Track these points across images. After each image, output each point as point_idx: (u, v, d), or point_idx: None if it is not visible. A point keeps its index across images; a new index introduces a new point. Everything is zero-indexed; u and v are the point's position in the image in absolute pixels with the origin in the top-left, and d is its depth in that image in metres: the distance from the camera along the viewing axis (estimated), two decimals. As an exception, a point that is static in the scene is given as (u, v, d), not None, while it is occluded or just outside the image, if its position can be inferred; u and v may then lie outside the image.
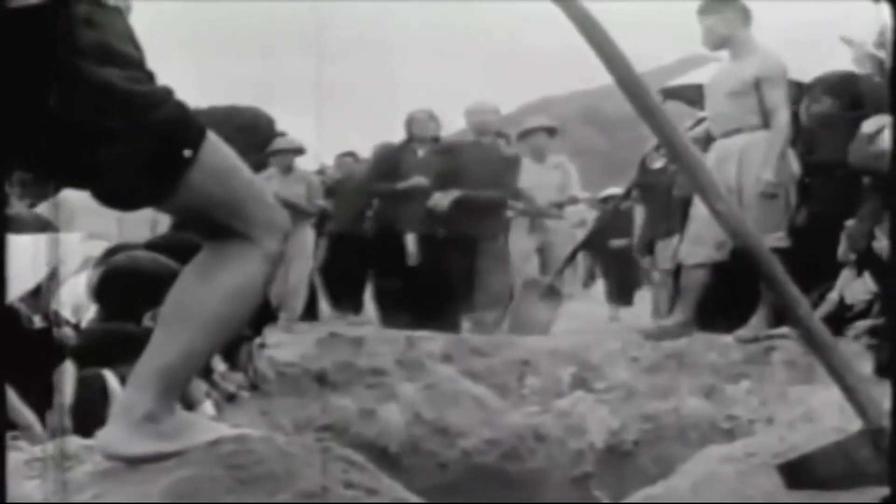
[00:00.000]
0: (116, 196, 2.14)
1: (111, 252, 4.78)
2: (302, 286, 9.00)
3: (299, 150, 9.46)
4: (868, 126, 5.58)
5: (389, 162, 8.55)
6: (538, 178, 8.41)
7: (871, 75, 6.17)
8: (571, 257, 8.12)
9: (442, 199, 7.95)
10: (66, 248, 4.00)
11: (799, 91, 6.45)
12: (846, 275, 5.77)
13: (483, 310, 7.87)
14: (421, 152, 8.42)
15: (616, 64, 2.51)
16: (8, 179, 2.20)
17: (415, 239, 8.16)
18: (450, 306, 7.86)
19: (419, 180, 8.16)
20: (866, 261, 5.50)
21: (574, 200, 9.11)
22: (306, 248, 9.06)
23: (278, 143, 9.63)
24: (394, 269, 8.25)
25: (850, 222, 5.65)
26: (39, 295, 3.67)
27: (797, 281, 2.55)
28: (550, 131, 8.81)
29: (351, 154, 10.68)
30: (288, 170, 9.25)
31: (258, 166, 9.16)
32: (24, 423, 3.40)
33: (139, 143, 2.02)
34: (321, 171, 10.43)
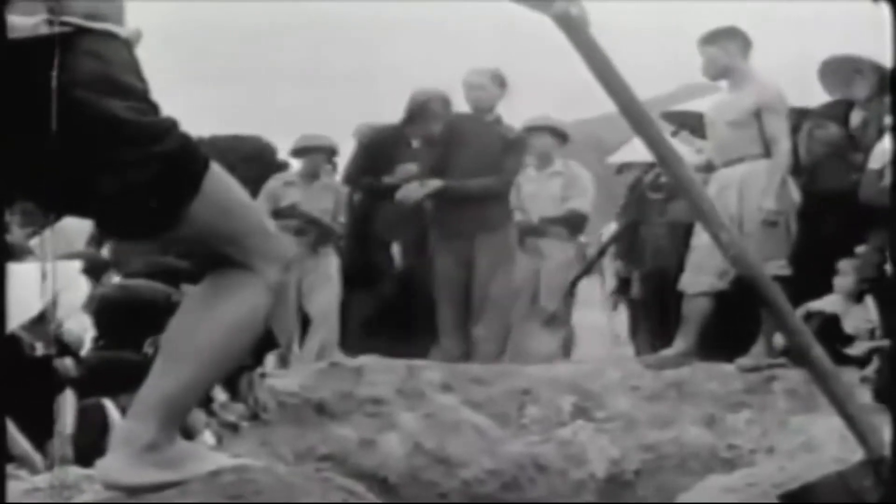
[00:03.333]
0: (120, 226, 2.15)
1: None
2: (331, 318, 7.46)
3: (332, 150, 7.80)
4: (874, 161, 5.62)
5: (377, 151, 7.16)
6: (534, 187, 7.30)
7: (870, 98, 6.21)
8: (574, 283, 7.70)
9: (415, 191, 6.82)
10: (67, 276, 4.01)
11: (799, 118, 6.48)
12: (832, 299, 5.77)
13: (483, 322, 6.90)
14: (416, 143, 7.04)
15: (620, 93, 2.53)
16: (9, 208, 2.20)
17: (400, 246, 7.05)
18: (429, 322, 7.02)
19: (409, 168, 6.89)
20: (874, 288, 5.51)
21: (576, 216, 7.44)
22: (332, 275, 7.46)
23: (304, 140, 7.70)
24: (369, 278, 7.17)
25: (860, 249, 5.66)
26: (43, 322, 3.68)
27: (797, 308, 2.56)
28: (560, 135, 7.51)
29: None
30: (314, 176, 7.53)
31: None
32: (21, 453, 3.39)
33: (143, 174, 2.02)
34: None
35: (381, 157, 7.17)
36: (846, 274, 5.80)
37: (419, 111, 7.06)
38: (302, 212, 7.04)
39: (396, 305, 7.20)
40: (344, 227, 7.71)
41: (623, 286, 8.76)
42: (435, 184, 6.89)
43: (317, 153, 7.58)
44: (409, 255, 7.11)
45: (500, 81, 7.08)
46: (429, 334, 7.08)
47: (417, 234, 7.08)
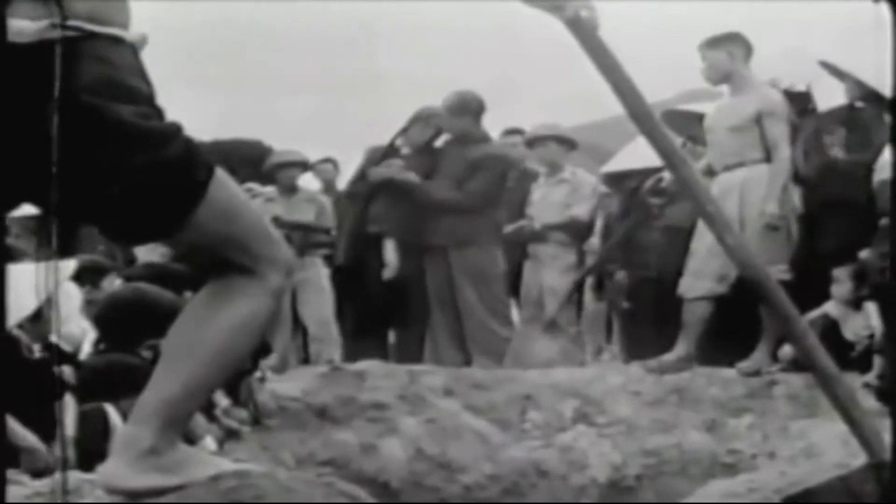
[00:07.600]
0: (125, 232, 2.15)
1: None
2: (329, 327, 7.60)
3: (304, 164, 8.14)
4: (881, 172, 5.61)
5: (372, 163, 7.42)
6: (541, 194, 7.50)
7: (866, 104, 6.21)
8: (574, 289, 7.67)
9: (387, 169, 7.17)
10: (63, 275, 4.01)
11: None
12: (831, 306, 5.77)
13: (471, 338, 6.99)
14: (406, 150, 7.37)
15: (629, 96, 2.53)
16: (9, 212, 2.20)
17: (395, 247, 7.20)
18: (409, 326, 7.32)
19: (396, 163, 7.18)
20: (876, 294, 5.50)
21: (576, 223, 7.47)
22: (323, 285, 7.62)
23: (277, 157, 8.11)
24: (360, 281, 7.36)
25: (863, 253, 5.65)
26: (39, 321, 3.67)
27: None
28: (566, 143, 7.62)
29: (330, 160, 9.15)
30: (292, 190, 7.84)
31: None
32: (26, 446, 3.39)
33: (149, 179, 2.02)
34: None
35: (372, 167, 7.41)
36: (842, 282, 5.79)
37: (414, 121, 7.33)
38: (284, 220, 7.09)
39: (385, 312, 7.41)
40: (332, 235, 7.84)
41: (621, 292, 8.76)
42: (412, 176, 7.10)
43: (291, 168, 7.89)
44: (404, 257, 7.21)
45: (470, 109, 7.14)
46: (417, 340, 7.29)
47: (407, 233, 7.20)
